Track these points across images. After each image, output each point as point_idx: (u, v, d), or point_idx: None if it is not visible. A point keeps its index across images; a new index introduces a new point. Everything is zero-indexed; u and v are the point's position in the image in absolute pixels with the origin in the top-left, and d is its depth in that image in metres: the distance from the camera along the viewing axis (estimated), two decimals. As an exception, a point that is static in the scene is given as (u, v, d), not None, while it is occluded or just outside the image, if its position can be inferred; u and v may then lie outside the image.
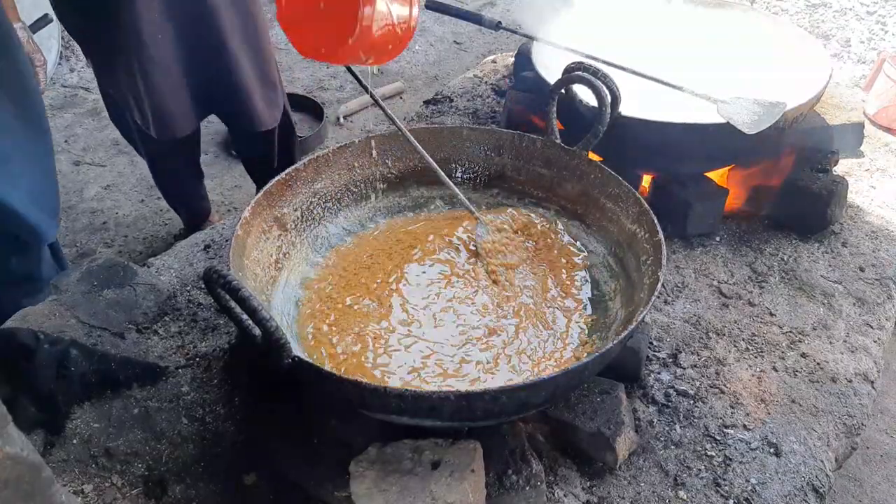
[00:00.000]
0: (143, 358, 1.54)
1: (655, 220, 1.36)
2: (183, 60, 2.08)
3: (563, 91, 1.58)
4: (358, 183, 1.65)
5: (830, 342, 1.67)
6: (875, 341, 1.69)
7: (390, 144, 1.66)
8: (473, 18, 2.02)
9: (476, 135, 1.67)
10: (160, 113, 2.13)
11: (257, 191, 2.70)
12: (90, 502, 1.31)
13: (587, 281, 1.51)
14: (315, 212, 1.60)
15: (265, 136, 2.42)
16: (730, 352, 1.63)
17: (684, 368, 1.58)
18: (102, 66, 2.13)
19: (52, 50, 3.74)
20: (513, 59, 2.60)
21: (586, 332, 1.40)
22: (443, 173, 1.55)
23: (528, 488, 1.25)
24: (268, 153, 2.51)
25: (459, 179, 1.71)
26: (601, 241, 1.56)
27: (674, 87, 1.73)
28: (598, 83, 1.46)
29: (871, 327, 1.72)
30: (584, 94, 1.63)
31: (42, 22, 2.09)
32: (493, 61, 2.82)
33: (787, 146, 1.95)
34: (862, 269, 1.86)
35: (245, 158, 2.78)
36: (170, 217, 3.03)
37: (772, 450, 1.42)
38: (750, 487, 1.35)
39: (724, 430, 1.46)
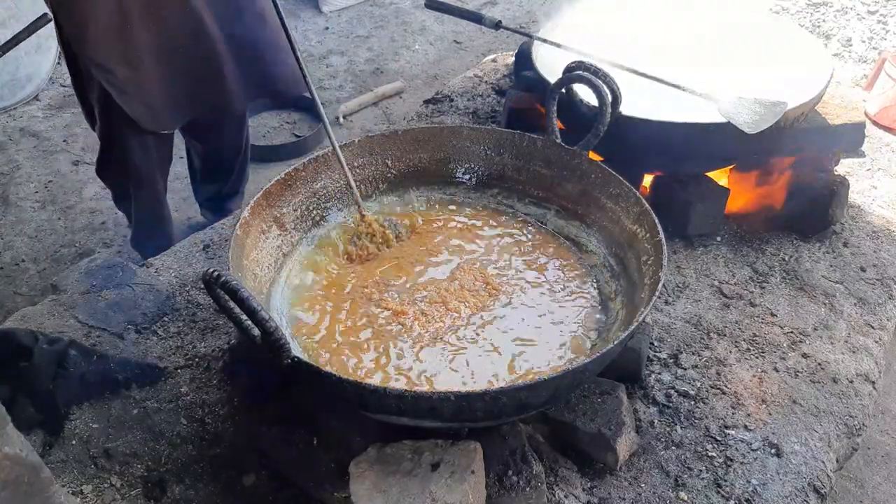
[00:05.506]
0: (142, 358, 1.55)
1: (656, 220, 1.35)
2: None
3: (563, 90, 1.58)
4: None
5: (831, 342, 1.67)
6: (876, 341, 1.69)
7: (390, 144, 1.66)
8: (473, 17, 2.02)
9: (476, 134, 1.67)
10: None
11: (193, 181, 2.67)
12: (89, 503, 1.30)
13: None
14: (314, 212, 1.59)
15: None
16: (731, 352, 1.62)
17: (685, 369, 1.57)
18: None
19: (51, 50, 3.73)
20: (513, 58, 2.59)
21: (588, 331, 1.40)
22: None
23: (528, 489, 1.25)
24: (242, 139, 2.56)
25: (460, 179, 1.70)
26: (602, 241, 1.55)
27: (675, 86, 1.73)
28: (599, 82, 1.45)
29: (873, 327, 1.72)
30: (584, 93, 1.62)
31: (42, 21, 2.08)
32: (494, 60, 2.82)
33: (788, 146, 1.94)
34: (863, 269, 1.86)
35: (211, 151, 2.59)
36: (169, 217, 3.03)
37: (773, 450, 1.42)
38: (751, 488, 1.35)
39: (725, 430, 1.45)
